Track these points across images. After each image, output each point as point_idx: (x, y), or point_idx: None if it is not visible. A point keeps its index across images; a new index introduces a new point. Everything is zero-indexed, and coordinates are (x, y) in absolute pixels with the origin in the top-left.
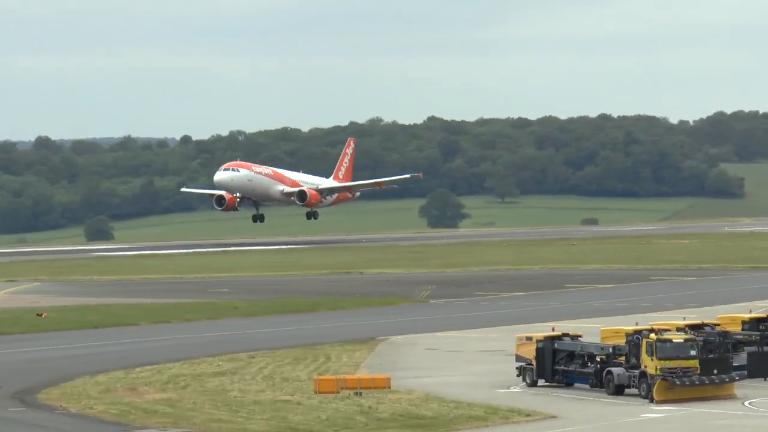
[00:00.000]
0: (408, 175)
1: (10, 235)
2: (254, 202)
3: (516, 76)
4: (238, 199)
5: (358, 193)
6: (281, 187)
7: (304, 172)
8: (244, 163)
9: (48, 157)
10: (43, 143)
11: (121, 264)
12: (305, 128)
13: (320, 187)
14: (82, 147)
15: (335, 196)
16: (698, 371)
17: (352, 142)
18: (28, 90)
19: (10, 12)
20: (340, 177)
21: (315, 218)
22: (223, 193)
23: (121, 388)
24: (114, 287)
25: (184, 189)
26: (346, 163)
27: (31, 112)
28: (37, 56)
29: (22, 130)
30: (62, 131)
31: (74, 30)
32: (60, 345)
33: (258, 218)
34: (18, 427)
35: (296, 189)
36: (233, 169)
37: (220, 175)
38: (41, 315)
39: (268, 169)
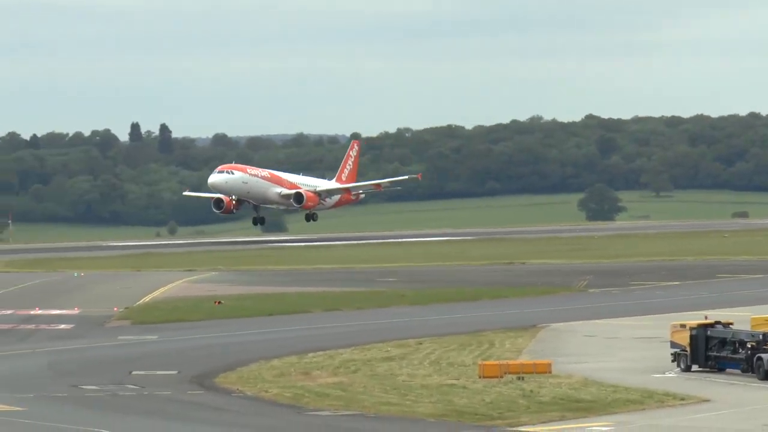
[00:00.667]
0: (407, 177)
1: (189, 227)
2: (254, 205)
3: (669, 77)
4: (234, 202)
5: (362, 195)
6: (278, 190)
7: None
8: (239, 165)
9: (225, 153)
10: (220, 140)
11: (295, 254)
12: (469, 126)
13: (318, 189)
14: (257, 143)
15: (336, 198)
16: None
17: (356, 145)
18: (206, 89)
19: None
20: (343, 179)
21: (314, 220)
22: (221, 196)
23: (295, 373)
24: (287, 276)
25: (185, 193)
26: (349, 165)
27: (209, 110)
28: (215, 55)
29: (200, 127)
30: (238, 129)
31: (242, 30)
32: (236, 331)
33: (259, 221)
34: (197, 410)
35: (293, 191)
36: (228, 172)
37: (214, 178)
38: (218, 303)
39: (265, 172)
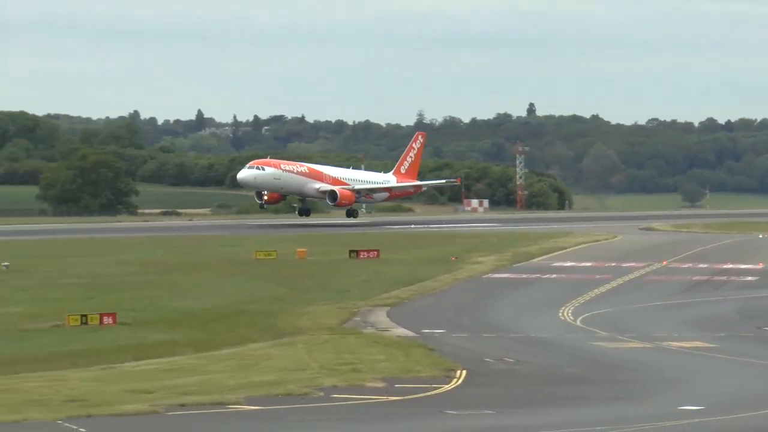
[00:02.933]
0: (444, 180)
1: None
2: (299, 198)
3: None
4: (267, 195)
5: (424, 188)
6: (317, 185)
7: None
8: (272, 160)
9: None
10: None
11: None
12: None
13: (356, 187)
14: None
15: (387, 194)
16: None
17: (420, 137)
18: None
19: None
20: (402, 172)
21: (354, 217)
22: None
23: None
24: None
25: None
26: (410, 158)
27: None
28: None
29: None
30: None
31: None
32: None
33: (303, 212)
34: None
35: (328, 188)
36: (258, 167)
37: (243, 173)
38: None
39: (303, 167)
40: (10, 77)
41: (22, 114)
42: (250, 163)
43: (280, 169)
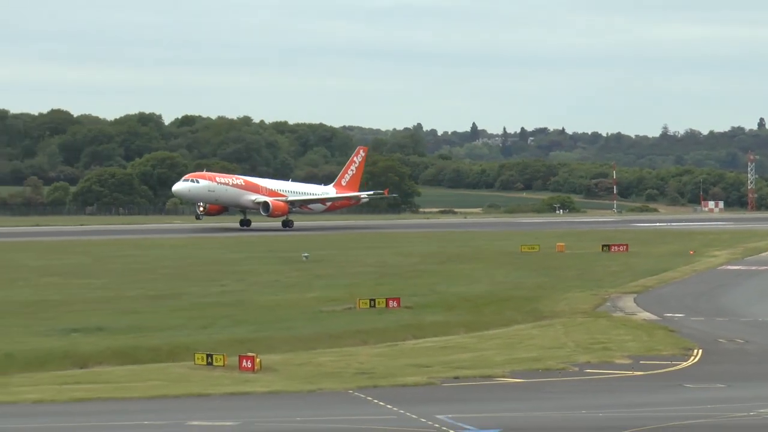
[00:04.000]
0: (373, 192)
1: None
2: (239, 209)
3: None
4: (203, 207)
5: (364, 198)
6: (253, 197)
7: None
8: (207, 173)
9: None
10: None
11: None
12: None
13: (288, 198)
14: None
15: (327, 204)
16: None
17: (362, 151)
18: None
19: None
20: (342, 185)
21: (289, 227)
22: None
23: None
24: None
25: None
26: (351, 170)
27: None
28: None
29: None
30: None
31: None
32: None
33: (244, 222)
34: None
35: (262, 200)
36: (192, 180)
37: (177, 186)
38: None
39: (239, 179)
40: (312, 94)
41: (321, 126)
42: (185, 176)
43: (215, 181)
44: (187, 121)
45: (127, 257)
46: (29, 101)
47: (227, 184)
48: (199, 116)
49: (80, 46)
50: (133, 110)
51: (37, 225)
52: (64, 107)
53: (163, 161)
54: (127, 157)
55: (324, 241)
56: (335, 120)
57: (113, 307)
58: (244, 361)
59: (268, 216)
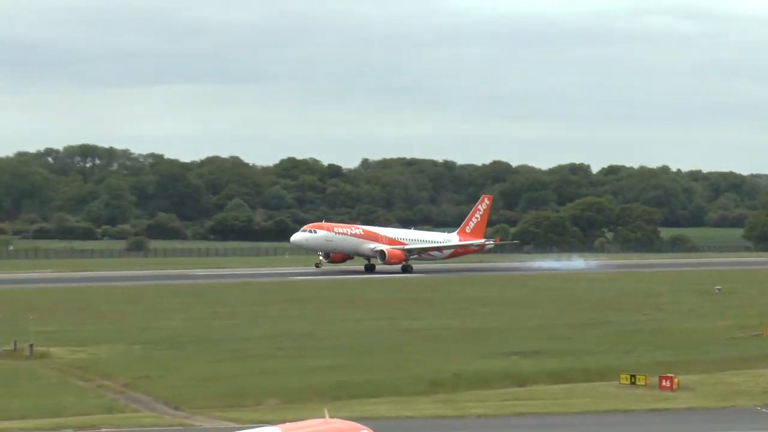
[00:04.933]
0: (492, 241)
1: None
2: (363, 257)
3: None
4: (331, 255)
5: (490, 245)
6: (372, 245)
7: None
8: (325, 224)
9: None
10: None
11: None
12: None
13: (406, 247)
14: None
15: (449, 251)
16: None
17: (486, 199)
18: None
19: None
20: (467, 232)
21: (408, 271)
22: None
23: None
24: None
25: None
26: (476, 218)
27: None
28: None
29: None
30: None
31: None
32: None
33: (368, 267)
34: None
35: (379, 248)
36: (310, 231)
37: (295, 237)
38: None
39: (358, 229)
40: (723, 145)
41: (731, 173)
42: (304, 227)
43: (333, 231)
44: (612, 170)
45: (559, 289)
46: (473, 154)
47: (346, 234)
48: (623, 166)
49: (515, 106)
50: (565, 161)
51: (480, 261)
52: (503, 159)
53: (591, 206)
54: (559, 202)
55: (728, 275)
56: (744, 168)
57: (547, 333)
58: (664, 381)
59: (384, 263)
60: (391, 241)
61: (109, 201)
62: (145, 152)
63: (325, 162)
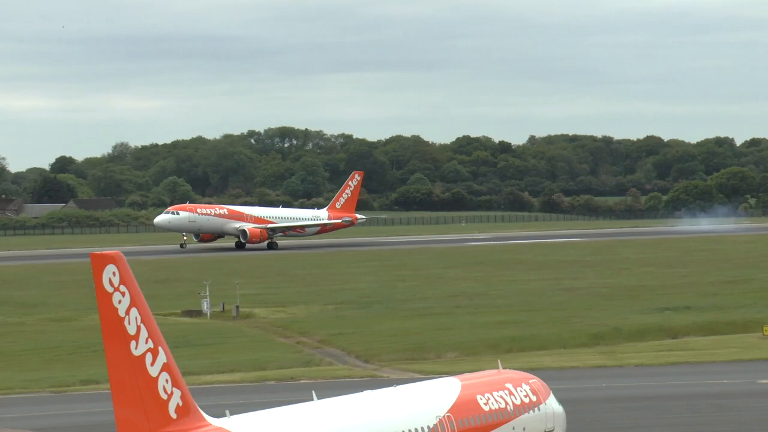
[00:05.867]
0: (363, 217)
1: None
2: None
3: None
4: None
5: (362, 220)
6: (237, 225)
7: None
8: (188, 205)
9: None
10: None
11: None
12: None
13: (268, 226)
14: None
15: (316, 228)
16: None
17: (357, 176)
18: None
19: None
20: (337, 207)
21: (274, 248)
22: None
23: None
24: None
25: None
26: (347, 194)
27: None
28: None
29: None
30: None
31: None
32: None
33: (238, 246)
34: None
35: (241, 228)
36: (173, 213)
37: (158, 219)
38: None
39: (223, 209)
40: None
41: None
42: (167, 209)
43: (196, 213)
44: (754, 142)
45: (707, 251)
46: (628, 130)
47: (209, 215)
48: (764, 138)
49: (666, 86)
50: (711, 135)
51: (636, 226)
52: (656, 134)
53: (735, 175)
54: (706, 172)
55: None
56: None
57: (697, 290)
58: None
59: (247, 242)
60: (257, 220)
61: (304, 177)
62: (336, 133)
63: (496, 139)
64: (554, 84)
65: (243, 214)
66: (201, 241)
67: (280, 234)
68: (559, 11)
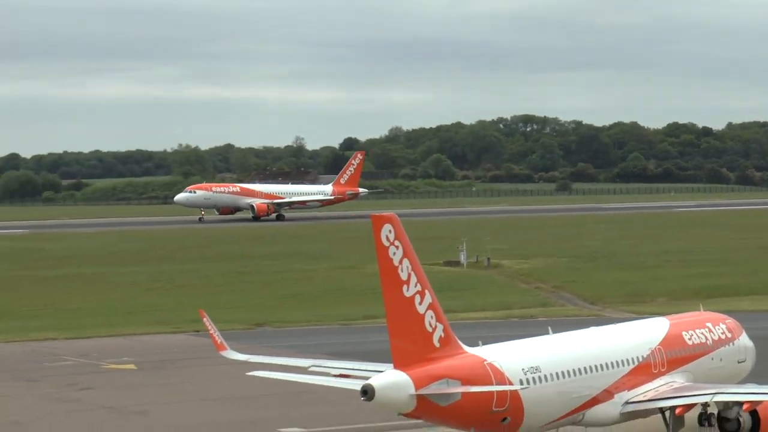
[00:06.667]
0: (365, 190)
1: None
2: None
3: None
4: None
5: (364, 193)
6: (249, 200)
7: None
8: (204, 184)
9: None
10: None
11: None
12: None
13: (275, 202)
14: None
15: (318, 204)
16: None
17: (359, 155)
18: None
19: None
20: (342, 183)
21: (281, 220)
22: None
23: None
24: None
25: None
26: (350, 171)
27: None
28: None
29: None
30: None
31: None
32: None
33: (254, 218)
34: None
35: (251, 202)
36: (190, 192)
37: (178, 197)
38: None
39: (236, 187)
40: None
41: None
42: (186, 188)
43: (211, 191)
44: None
45: None
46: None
47: (223, 192)
48: None
49: None
50: None
51: None
52: None
53: None
54: None
55: None
56: None
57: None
58: None
59: (254, 217)
60: (267, 196)
61: (543, 155)
62: (569, 119)
63: (700, 125)
64: (747, 81)
65: (254, 191)
66: (221, 213)
67: (287, 208)
68: (744, 17)
